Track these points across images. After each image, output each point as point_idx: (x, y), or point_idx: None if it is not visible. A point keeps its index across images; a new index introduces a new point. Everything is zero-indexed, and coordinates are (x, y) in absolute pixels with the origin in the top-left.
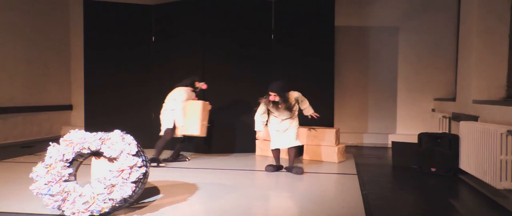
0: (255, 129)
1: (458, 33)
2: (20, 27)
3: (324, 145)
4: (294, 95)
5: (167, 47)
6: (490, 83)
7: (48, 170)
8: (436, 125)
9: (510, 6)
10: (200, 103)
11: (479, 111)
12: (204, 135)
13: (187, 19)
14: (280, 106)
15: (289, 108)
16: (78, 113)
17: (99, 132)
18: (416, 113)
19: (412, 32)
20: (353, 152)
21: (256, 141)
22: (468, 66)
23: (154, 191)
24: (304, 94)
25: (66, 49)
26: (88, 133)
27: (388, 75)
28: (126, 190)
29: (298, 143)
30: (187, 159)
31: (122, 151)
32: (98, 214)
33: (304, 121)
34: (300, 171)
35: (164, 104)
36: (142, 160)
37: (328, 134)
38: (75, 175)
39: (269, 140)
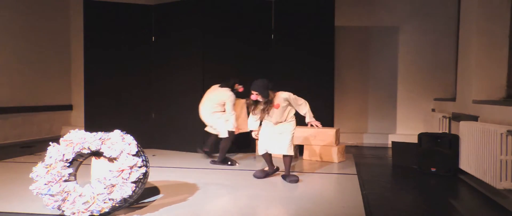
0: (249, 129)
1: (458, 33)
2: (20, 27)
3: (324, 145)
4: (282, 95)
5: (167, 47)
6: (490, 83)
7: (48, 170)
8: (436, 125)
9: (510, 6)
10: (242, 101)
11: (479, 111)
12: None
13: (187, 19)
14: (263, 106)
15: (276, 110)
16: (78, 113)
17: (99, 132)
18: (416, 113)
19: (412, 32)
20: (353, 152)
21: (256, 141)
22: (468, 66)
23: (154, 191)
24: (304, 94)
25: (66, 49)
26: (88, 133)
27: (388, 75)
28: (126, 190)
29: (291, 152)
30: (236, 163)
31: (122, 151)
32: (98, 214)
33: (304, 121)
34: (295, 180)
35: (204, 104)
36: (142, 160)
37: (328, 134)
38: (75, 175)
39: None
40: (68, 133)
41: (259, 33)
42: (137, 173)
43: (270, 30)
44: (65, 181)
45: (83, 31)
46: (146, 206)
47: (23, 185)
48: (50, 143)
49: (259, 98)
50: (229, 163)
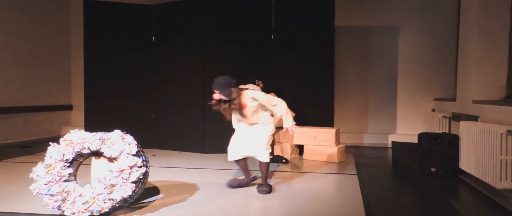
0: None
1: (458, 33)
2: (20, 27)
3: (324, 145)
4: (249, 94)
5: (167, 47)
6: (490, 83)
7: (48, 170)
8: (436, 125)
9: (510, 6)
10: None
11: (479, 111)
12: None
13: (187, 19)
14: (225, 106)
15: (245, 110)
16: (78, 113)
17: (99, 132)
18: (416, 113)
19: (412, 32)
20: (353, 152)
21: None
22: (468, 66)
23: (154, 191)
24: (304, 94)
25: (66, 49)
26: (88, 133)
27: (388, 75)
28: (126, 190)
29: (266, 159)
30: (283, 160)
31: (122, 151)
32: (98, 214)
33: (304, 121)
34: (264, 191)
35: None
36: (142, 160)
37: (328, 134)
38: (75, 175)
39: None
40: (68, 133)
41: (259, 33)
42: (137, 173)
43: (270, 30)
44: (65, 181)
45: (83, 31)
46: (146, 206)
47: (23, 185)
48: (50, 143)
49: (223, 97)
50: (285, 161)
